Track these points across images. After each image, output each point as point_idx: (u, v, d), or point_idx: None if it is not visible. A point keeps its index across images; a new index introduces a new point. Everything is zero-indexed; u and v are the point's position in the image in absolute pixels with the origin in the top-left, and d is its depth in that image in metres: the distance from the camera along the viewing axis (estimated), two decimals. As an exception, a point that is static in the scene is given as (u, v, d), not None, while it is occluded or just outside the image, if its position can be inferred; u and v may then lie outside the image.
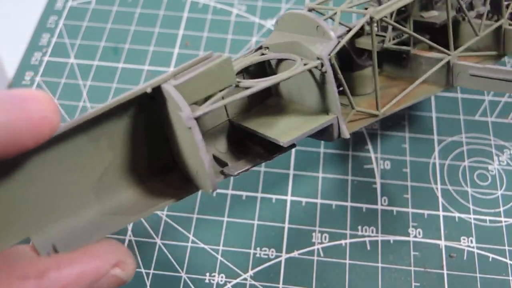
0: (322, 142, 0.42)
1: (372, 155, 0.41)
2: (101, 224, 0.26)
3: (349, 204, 0.39)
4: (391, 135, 0.42)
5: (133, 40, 0.49)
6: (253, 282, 0.35)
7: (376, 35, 0.35)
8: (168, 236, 0.37)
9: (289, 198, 0.39)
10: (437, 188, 0.39)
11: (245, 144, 0.30)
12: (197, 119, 0.26)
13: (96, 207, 0.26)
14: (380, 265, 0.36)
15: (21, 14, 0.52)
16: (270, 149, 0.28)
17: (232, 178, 0.40)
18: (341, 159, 0.41)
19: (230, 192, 0.39)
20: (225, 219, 0.38)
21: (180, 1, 0.52)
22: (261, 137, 0.27)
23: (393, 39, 0.35)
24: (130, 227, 0.38)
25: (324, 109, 0.28)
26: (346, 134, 0.28)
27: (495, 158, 0.41)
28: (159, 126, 0.27)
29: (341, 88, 0.29)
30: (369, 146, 0.42)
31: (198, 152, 0.23)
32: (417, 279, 0.35)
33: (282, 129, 0.27)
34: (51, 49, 0.49)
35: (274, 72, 0.30)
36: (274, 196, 0.39)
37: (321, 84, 0.27)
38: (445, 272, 0.35)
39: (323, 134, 0.29)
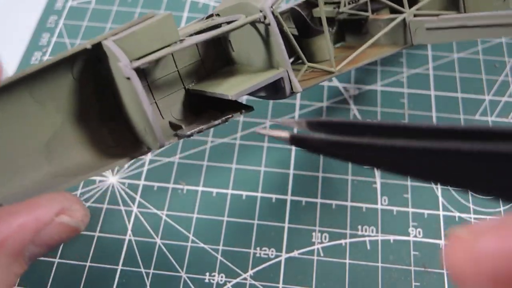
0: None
1: (372, 155, 0.41)
2: (51, 184, 0.26)
3: (349, 203, 0.39)
4: (391, 135, 0.42)
5: (133, 40, 0.49)
6: (253, 281, 0.35)
7: (332, 2, 0.36)
8: (168, 236, 0.37)
9: (289, 198, 0.39)
10: (437, 188, 0.39)
11: (202, 110, 0.30)
12: (150, 84, 0.27)
13: (46, 169, 0.26)
14: (380, 265, 0.36)
15: (21, 14, 0.52)
16: (224, 111, 0.28)
17: (232, 178, 0.40)
18: (341, 159, 0.41)
19: (230, 192, 0.39)
20: (225, 218, 0.38)
21: (180, 1, 0.52)
22: (216, 100, 0.27)
23: (349, 3, 0.35)
24: (130, 227, 0.38)
25: (273, 65, 0.28)
26: (299, 88, 0.28)
27: (495, 157, 0.41)
28: (108, 88, 0.27)
29: (299, 61, 0.29)
30: None
31: (140, 103, 0.23)
32: (417, 279, 0.35)
33: (230, 86, 0.27)
34: (51, 49, 0.49)
35: (226, 37, 0.31)
36: (274, 196, 0.39)
37: (266, 38, 0.27)
38: (445, 272, 0.35)
39: (277, 92, 0.29)
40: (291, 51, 0.28)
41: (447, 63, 0.46)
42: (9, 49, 0.49)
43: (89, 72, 0.26)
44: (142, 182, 0.40)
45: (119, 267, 0.36)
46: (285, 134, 0.20)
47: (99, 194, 0.39)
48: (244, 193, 0.39)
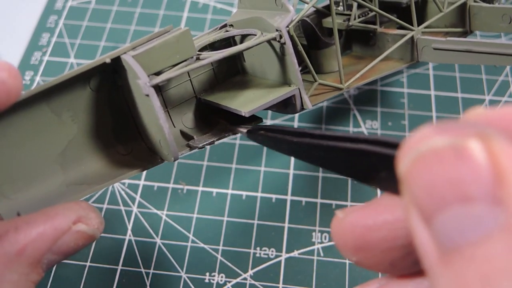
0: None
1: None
2: (66, 193, 0.26)
3: (349, 203, 0.39)
4: (391, 135, 0.42)
5: (133, 40, 0.49)
6: (253, 281, 0.35)
7: (342, 14, 0.36)
8: (168, 236, 0.37)
9: (289, 198, 0.39)
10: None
11: (212, 119, 0.30)
12: (163, 93, 0.28)
13: (61, 178, 0.27)
14: (380, 265, 0.36)
15: (21, 14, 0.52)
16: (235, 123, 0.29)
17: (232, 178, 0.40)
18: (341, 159, 0.41)
19: (230, 192, 0.39)
20: (225, 218, 0.38)
21: (180, 1, 0.52)
22: (227, 111, 0.28)
23: (359, 17, 0.36)
24: (130, 227, 0.38)
25: (286, 81, 0.29)
26: (309, 105, 0.29)
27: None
28: (123, 100, 0.28)
29: (306, 70, 0.30)
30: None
31: (157, 119, 0.24)
32: (417, 279, 0.35)
33: (244, 101, 0.28)
34: (51, 48, 0.49)
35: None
36: (274, 196, 0.39)
37: (281, 56, 0.28)
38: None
39: (287, 106, 0.30)
40: (299, 60, 0.28)
41: (447, 63, 0.46)
42: (9, 49, 0.49)
43: (105, 83, 0.27)
44: (142, 182, 0.40)
45: (119, 267, 0.36)
46: (243, 129, 0.27)
47: (99, 194, 0.39)
48: (244, 193, 0.39)
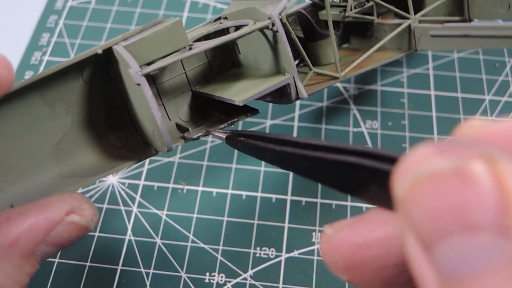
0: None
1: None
2: (60, 185, 0.26)
3: (349, 203, 0.39)
4: (391, 135, 0.42)
5: (133, 39, 0.49)
6: (253, 281, 0.35)
7: (338, 5, 0.36)
8: (168, 236, 0.37)
9: (289, 198, 0.39)
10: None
11: (207, 112, 0.30)
12: (158, 86, 0.27)
13: (55, 170, 0.27)
14: (380, 265, 0.36)
15: (21, 14, 0.52)
16: (231, 114, 0.29)
17: (232, 178, 0.40)
18: (341, 159, 0.41)
19: (230, 192, 0.39)
20: (225, 218, 0.38)
21: (180, 1, 0.52)
22: (222, 103, 0.28)
23: (355, 7, 0.35)
24: (130, 227, 0.38)
25: (280, 70, 0.28)
26: (304, 94, 0.29)
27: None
28: (117, 92, 0.28)
29: (303, 63, 0.30)
30: (369, 146, 0.42)
31: (150, 109, 0.24)
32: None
33: (237, 90, 0.28)
34: (51, 48, 0.49)
35: (233, 41, 0.31)
36: (274, 196, 0.39)
37: (274, 45, 0.28)
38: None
39: (283, 96, 0.29)
40: (296, 54, 0.28)
41: (447, 63, 0.46)
42: (9, 49, 0.49)
43: (98, 75, 0.27)
44: (142, 182, 0.40)
45: (119, 267, 0.36)
46: (222, 135, 0.26)
47: (99, 194, 0.39)
48: (244, 193, 0.39)
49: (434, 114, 0.43)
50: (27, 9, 0.52)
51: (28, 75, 0.47)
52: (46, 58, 0.48)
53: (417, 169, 0.12)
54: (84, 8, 0.52)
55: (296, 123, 0.43)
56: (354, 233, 0.16)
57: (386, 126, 0.43)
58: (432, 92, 0.45)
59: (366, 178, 0.15)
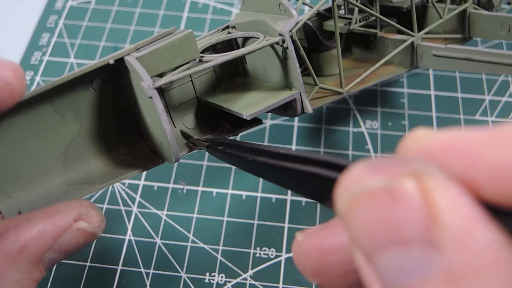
0: (322, 141, 0.42)
1: (372, 155, 0.41)
2: (67, 192, 0.26)
3: (349, 204, 0.39)
4: (391, 135, 0.42)
5: (133, 40, 0.49)
6: (253, 282, 0.35)
7: (343, 17, 0.36)
8: (168, 236, 0.37)
9: (289, 198, 0.39)
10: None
11: (213, 120, 0.31)
12: (164, 93, 0.28)
13: (63, 177, 0.27)
14: (380, 265, 0.36)
15: (21, 14, 0.52)
16: (236, 125, 0.29)
17: (232, 178, 0.40)
18: (341, 159, 0.41)
19: (230, 192, 0.39)
20: (225, 218, 0.38)
21: (180, 1, 0.52)
22: (228, 113, 0.28)
23: (360, 21, 0.36)
24: (130, 227, 0.38)
25: (288, 85, 0.29)
26: (309, 109, 0.29)
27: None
28: (125, 100, 0.28)
29: (306, 72, 0.30)
30: (369, 146, 0.42)
31: (160, 122, 0.24)
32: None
33: (245, 104, 0.28)
34: (51, 48, 0.49)
35: None
36: (274, 196, 0.39)
37: (283, 60, 0.28)
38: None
39: (288, 109, 0.30)
40: (300, 62, 0.28)
41: (446, 70, 0.46)
42: (9, 49, 0.49)
43: (107, 83, 0.27)
44: (142, 182, 0.40)
45: (119, 267, 0.36)
46: (204, 143, 0.26)
47: (99, 194, 0.39)
48: (244, 193, 0.39)
49: (434, 114, 0.43)
50: (27, 9, 0.52)
51: (28, 75, 0.47)
52: (46, 58, 0.48)
53: (353, 187, 0.13)
54: (84, 8, 0.52)
55: (296, 123, 0.43)
56: (320, 239, 0.17)
57: (386, 126, 0.43)
58: (432, 92, 0.45)
59: (326, 187, 0.16)
